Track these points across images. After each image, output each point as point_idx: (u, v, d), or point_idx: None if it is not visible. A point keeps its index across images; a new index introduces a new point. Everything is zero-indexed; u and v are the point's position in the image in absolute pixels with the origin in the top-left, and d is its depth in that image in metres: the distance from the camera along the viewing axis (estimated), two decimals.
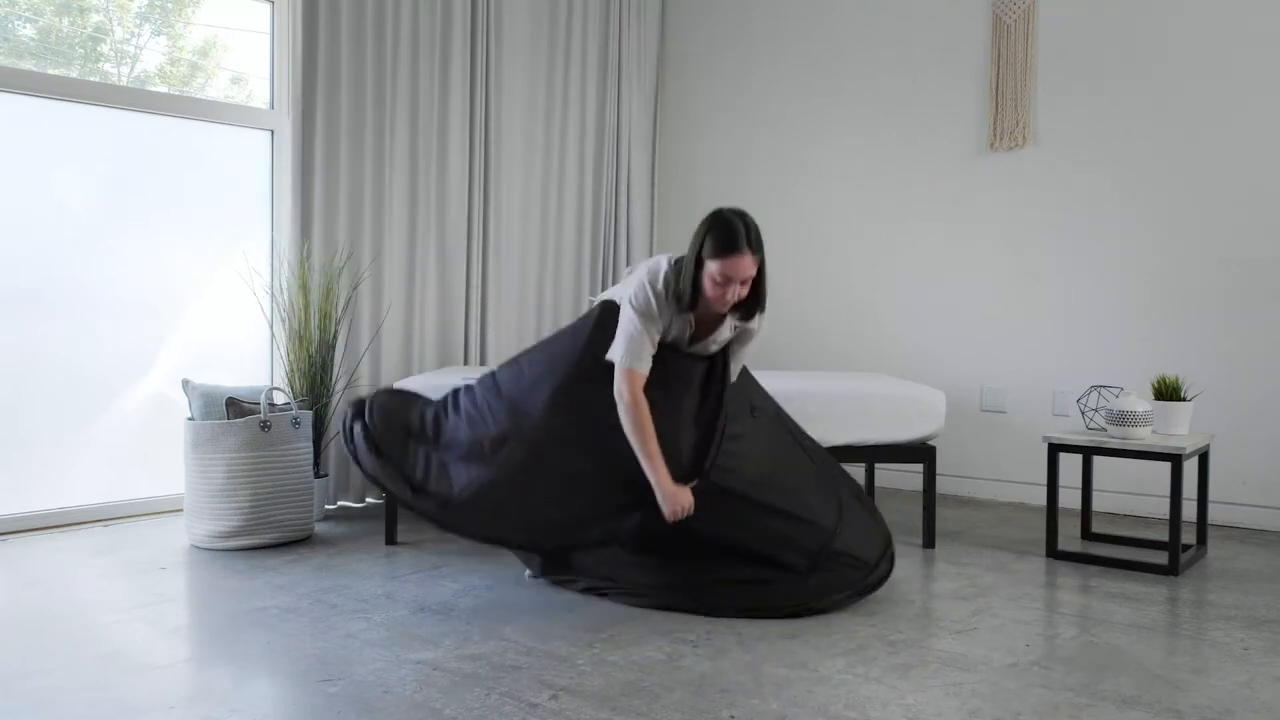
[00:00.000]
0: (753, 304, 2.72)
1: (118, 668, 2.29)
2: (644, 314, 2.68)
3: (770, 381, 3.40)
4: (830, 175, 4.98)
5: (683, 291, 2.66)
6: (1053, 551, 3.38)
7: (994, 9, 4.44)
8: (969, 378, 4.56)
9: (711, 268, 2.60)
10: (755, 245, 2.62)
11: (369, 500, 4.29)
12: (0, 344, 3.59)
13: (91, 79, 3.80)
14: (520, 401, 2.82)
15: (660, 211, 5.60)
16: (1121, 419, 3.25)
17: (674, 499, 2.67)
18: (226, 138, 4.10)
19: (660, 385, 2.72)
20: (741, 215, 2.63)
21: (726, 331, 2.80)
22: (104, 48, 3.91)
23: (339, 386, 4.08)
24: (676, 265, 2.71)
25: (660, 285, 2.69)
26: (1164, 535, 3.62)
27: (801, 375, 3.93)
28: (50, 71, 3.68)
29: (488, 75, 4.68)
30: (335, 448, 4.12)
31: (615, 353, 2.72)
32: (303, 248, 4.02)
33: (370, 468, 2.85)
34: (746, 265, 2.60)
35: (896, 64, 4.76)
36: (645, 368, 2.69)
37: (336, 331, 4.00)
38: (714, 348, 2.84)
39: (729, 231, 2.59)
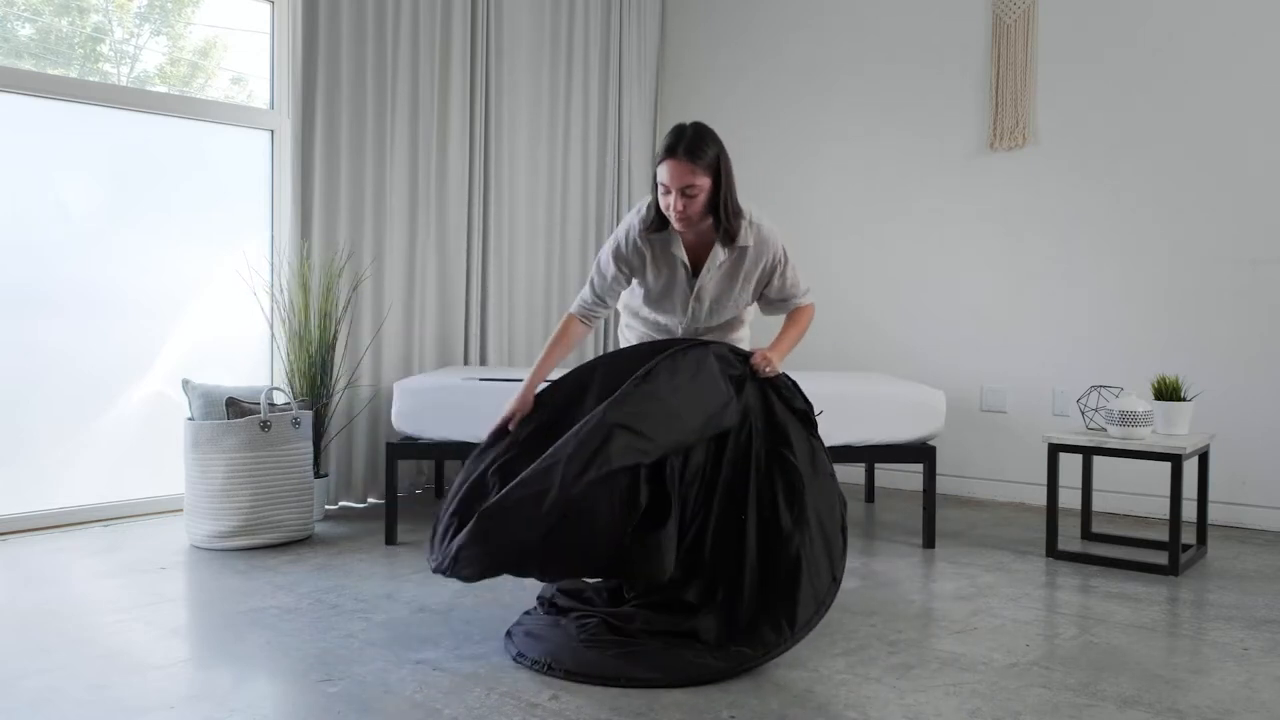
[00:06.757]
0: (720, 219, 2.58)
1: (118, 668, 2.28)
2: (604, 253, 2.68)
3: None
4: (830, 174, 4.98)
5: (650, 215, 2.60)
6: (1053, 551, 3.38)
7: (994, 9, 4.44)
8: (969, 378, 4.56)
9: (657, 176, 2.53)
10: (692, 153, 2.47)
11: (370, 500, 4.29)
12: (0, 343, 3.59)
13: (91, 79, 3.80)
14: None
15: None
16: (1122, 419, 3.25)
17: (516, 402, 2.54)
18: (226, 138, 4.10)
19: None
20: (695, 124, 2.54)
21: (733, 279, 2.68)
22: (104, 48, 3.90)
23: (339, 386, 4.08)
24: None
25: (634, 218, 2.65)
26: (1164, 535, 3.61)
27: (801, 375, 3.91)
28: (50, 71, 3.68)
29: (488, 75, 4.68)
30: (335, 448, 4.12)
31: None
32: (303, 248, 4.02)
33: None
34: (678, 171, 2.45)
35: (896, 63, 4.75)
36: (581, 314, 2.72)
37: (336, 331, 4.00)
38: (728, 312, 2.74)
39: (667, 139, 2.51)
